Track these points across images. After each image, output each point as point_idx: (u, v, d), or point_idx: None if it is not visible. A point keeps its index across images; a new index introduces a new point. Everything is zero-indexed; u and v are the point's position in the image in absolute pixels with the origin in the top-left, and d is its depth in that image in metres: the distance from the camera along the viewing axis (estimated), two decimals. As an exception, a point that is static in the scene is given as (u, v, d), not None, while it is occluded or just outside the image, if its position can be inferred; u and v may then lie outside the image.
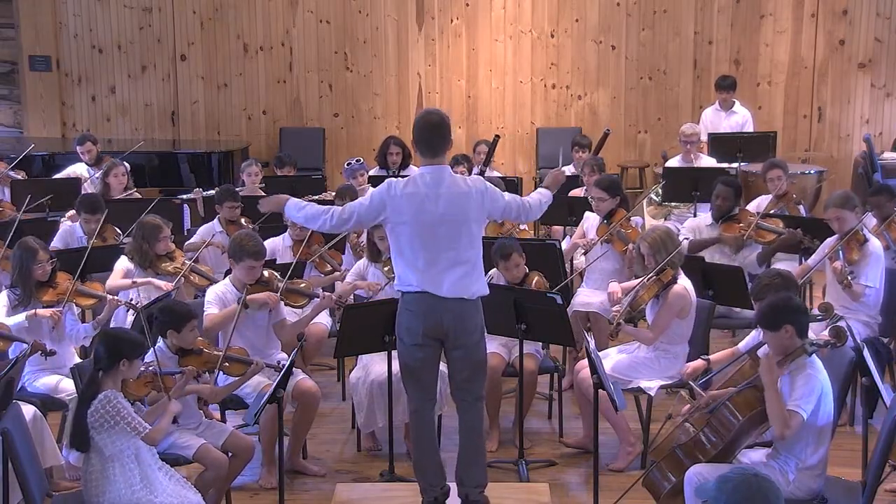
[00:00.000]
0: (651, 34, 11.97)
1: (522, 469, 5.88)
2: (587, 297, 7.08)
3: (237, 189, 8.46)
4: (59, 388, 5.81)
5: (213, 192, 8.53)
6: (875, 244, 6.53)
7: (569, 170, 9.69)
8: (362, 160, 9.12)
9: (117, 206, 8.02)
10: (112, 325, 6.33)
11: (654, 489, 4.83)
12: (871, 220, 6.99)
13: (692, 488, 4.46)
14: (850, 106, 11.93)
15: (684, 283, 5.95)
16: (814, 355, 4.62)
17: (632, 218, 7.20)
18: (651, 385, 5.89)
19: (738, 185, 7.86)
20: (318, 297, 6.20)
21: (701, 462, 4.63)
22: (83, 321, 6.49)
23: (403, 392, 5.23)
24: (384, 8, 12.06)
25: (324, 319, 6.94)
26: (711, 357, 5.60)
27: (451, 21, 12.05)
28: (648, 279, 5.95)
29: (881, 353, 6.21)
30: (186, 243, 7.63)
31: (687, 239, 7.38)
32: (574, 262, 7.61)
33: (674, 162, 9.78)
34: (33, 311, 5.90)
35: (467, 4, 12.02)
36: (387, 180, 4.97)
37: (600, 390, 5.14)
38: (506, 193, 5.09)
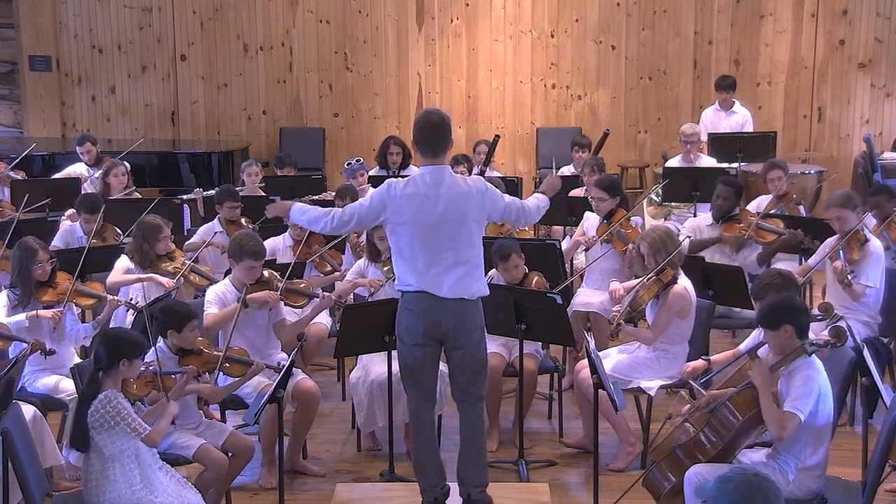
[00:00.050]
0: (651, 34, 11.97)
1: (522, 469, 5.88)
2: (587, 297, 7.08)
3: (237, 189, 8.46)
4: (59, 388, 5.81)
5: (213, 192, 8.52)
6: (876, 244, 6.53)
7: (569, 170, 9.69)
8: (362, 160, 9.12)
9: (117, 206, 8.03)
10: (112, 324, 6.33)
11: (654, 489, 4.83)
12: (870, 221, 6.99)
13: (692, 488, 4.46)
14: (850, 106, 11.93)
15: (684, 283, 5.95)
16: (814, 355, 4.62)
17: (632, 218, 7.20)
18: (651, 385, 5.89)
19: (738, 185, 7.86)
20: (317, 297, 6.20)
21: (701, 462, 4.63)
22: (83, 321, 6.49)
23: (403, 392, 5.23)
24: (384, 8, 12.06)
25: (324, 319, 6.94)
26: (712, 358, 5.60)
27: (451, 21, 12.06)
28: (648, 279, 5.95)
29: (881, 353, 6.21)
30: (186, 243, 7.63)
31: (688, 238, 7.37)
32: (574, 262, 7.61)
33: (674, 162, 9.78)
34: (34, 312, 5.90)
35: (467, 4, 12.02)
36: (387, 181, 4.97)
37: (600, 390, 5.14)
38: (505, 195, 5.09)
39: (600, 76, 12.09)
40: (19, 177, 9.31)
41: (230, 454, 5.24)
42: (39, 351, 5.57)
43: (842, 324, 5.20)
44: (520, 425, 5.95)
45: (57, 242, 7.68)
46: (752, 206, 8.01)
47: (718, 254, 7.49)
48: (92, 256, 6.59)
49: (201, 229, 7.82)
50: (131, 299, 6.52)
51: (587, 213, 7.44)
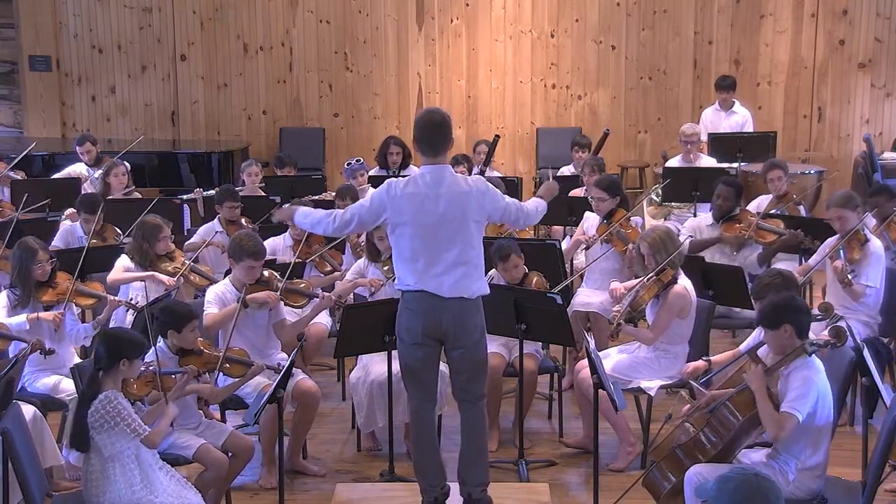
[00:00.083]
0: (651, 34, 11.97)
1: (522, 469, 5.88)
2: (587, 297, 7.08)
3: (237, 189, 8.46)
4: (59, 388, 5.80)
5: (213, 192, 8.52)
6: (876, 244, 6.53)
7: (569, 170, 9.70)
8: (362, 160, 9.12)
9: (117, 206, 8.03)
10: (112, 324, 6.33)
11: (654, 489, 4.83)
12: (870, 221, 6.99)
13: (692, 488, 4.46)
14: (850, 106, 11.93)
15: (684, 283, 5.95)
16: (813, 356, 4.62)
17: (632, 218, 7.20)
18: (651, 385, 5.89)
19: (739, 186, 7.86)
20: (317, 297, 6.20)
21: (701, 462, 4.63)
22: (83, 321, 6.49)
23: (403, 392, 5.23)
24: (384, 8, 12.06)
25: (324, 319, 6.94)
26: (713, 358, 5.59)
27: (451, 21, 12.05)
28: (648, 279, 5.95)
29: (881, 353, 6.21)
30: (186, 243, 7.63)
31: (690, 238, 7.36)
32: (574, 262, 7.61)
33: (674, 162, 9.78)
34: (35, 314, 5.89)
35: (467, 4, 12.02)
36: (387, 181, 4.96)
37: (600, 390, 5.14)
38: (506, 196, 5.09)
39: (600, 76, 12.09)
40: (19, 177, 9.31)
41: (230, 454, 5.24)
42: (39, 350, 5.57)
43: (842, 324, 5.20)
44: (520, 425, 5.95)
45: (57, 242, 7.68)
46: (753, 206, 8.01)
47: (719, 254, 7.50)
48: (92, 256, 6.59)
49: (201, 229, 7.82)
50: (131, 299, 6.52)
51: (587, 213, 7.44)
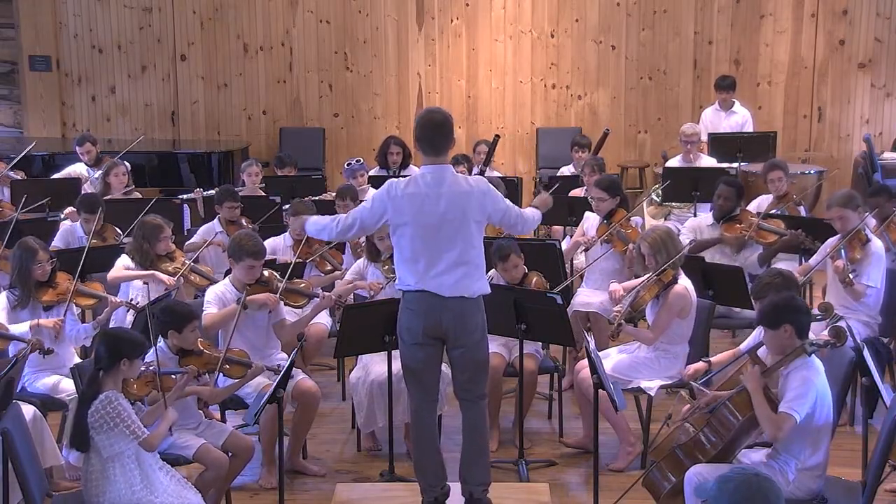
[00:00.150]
0: (651, 34, 11.97)
1: (522, 469, 5.88)
2: (587, 297, 7.08)
3: (237, 189, 8.46)
4: (59, 388, 5.80)
5: (213, 192, 8.53)
6: (877, 244, 6.53)
7: (569, 170, 9.70)
8: (362, 160, 9.12)
9: (117, 206, 8.03)
10: (112, 324, 6.32)
11: (654, 489, 4.83)
12: (870, 221, 6.98)
13: (692, 488, 4.45)
14: (850, 106, 11.93)
15: (685, 283, 5.95)
16: (813, 356, 4.61)
17: (632, 218, 7.20)
18: (651, 385, 5.89)
19: (740, 186, 7.86)
20: (317, 297, 6.20)
21: (701, 462, 4.63)
22: (83, 321, 6.49)
23: (403, 392, 5.23)
24: (384, 8, 12.06)
25: (324, 319, 6.94)
26: (713, 359, 5.59)
27: (451, 21, 12.05)
28: (649, 279, 5.95)
29: (881, 353, 6.21)
30: (187, 243, 7.63)
31: (692, 241, 7.35)
32: (574, 262, 7.61)
33: (674, 162, 9.78)
34: (35, 321, 5.86)
35: (467, 4, 12.02)
36: (387, 182, 4.96)
37: (600, 390, 5.14)
38: (506, 200, 5.08)
39: (600, 76, 12.09)
40: (19, 177, 9.31)
41: (230, 454, 5.24)
42: (38, 350, 5.57)
43: (842, 324, 5.20)
44: (520, 425, 5.95)
45: (57, 242, 7.68)
46: (753, 207, 8.01)
47: (719, 254, 7.49)
48: (92, 256, 6.58)
49: (201, 229, 7.82)
50: (132, 300, 6.52)
51: (587, 213, 7.44)
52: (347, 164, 8.96)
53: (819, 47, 11.83)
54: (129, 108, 12.36)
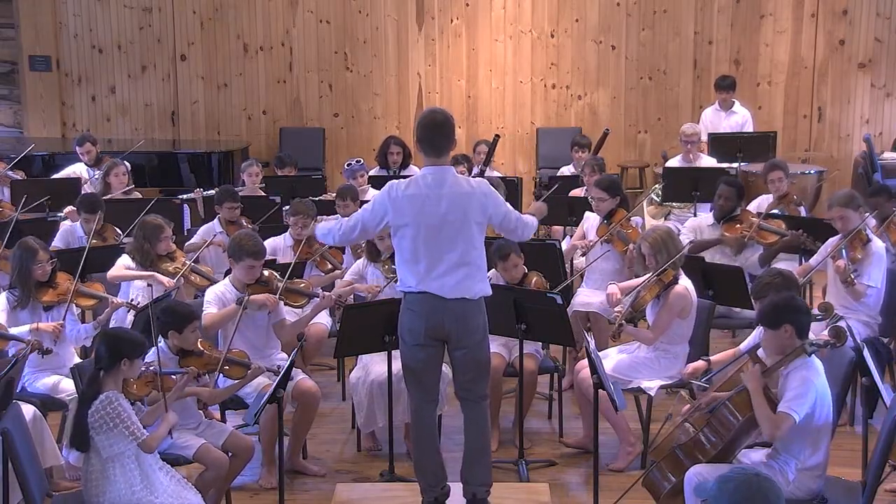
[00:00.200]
0: (651, 34, 11.97)
1: (522, 469, 5.88)
2: (587, 298, 7.08)
3: (237, 189, 8.46)
4: (59, 388, 5.80)
5: (213, 192, 8.53)
6: (878, 244, 6.53)
7: (569, 170, 9.70)
8: (362, 161, 9.12)
9: (117, 206, 8.02)
10: (112, 324, 6.32)
11: (654, 489, 4.83)
12: (870, 221, 6.98)
13: (692, 488, 4.45)
14: (850, 106, 11.93)
15: (685, 283, 5.95)
16: (813, 356, 4.61)
17: (632, 218, 7.20)
18: (651, 385, 5.89)
19: (740, 186, 7.86)
20: (317, 297, 6.20)
21: (701, 462, 4.63)
22: (83, 321, 6.48)
23: (403, 392, 5.23)
24: (384, 8, 12.06)
25: (324, 319, 6.94)
26: (713, 358, 5.60)
27: (451, 21, 12.05)
28: (649, 279, 5.95)
29: (881, 353, 6.21)
30: (187, 244, 7.63)
31: (691, 242, 7.36)
32: (574, 262, 7.61)
33: (674, 162, 9.78)
34: (35, 325, 5.87)
35: (467, 4, 12.02)
36: (388, 183, 4.96)
37: (600, 390, 5.14)
38: (507, 204, 5.07)
39: (600, 76, 12.09)
40: (19, 177, 9.31)
41: (230, 454, 5.24)
42: (37, 350, 5.57)
43: (842, 324, 5.20)
44: (520, 425, 5.95)
45: (57, 242, 7.68)
46: (753, 207, 8.01)
47: (719, 254, 7.49)
48: (92, 256, 6.59)
49: (202, 229, 7.82)
50: (132, 300, 6.52)
51: (587, 213, 7.44)
52: (347, 165, 8.96)
53: (819, 47, 11.83)
54: (129, 108, 12.36)
